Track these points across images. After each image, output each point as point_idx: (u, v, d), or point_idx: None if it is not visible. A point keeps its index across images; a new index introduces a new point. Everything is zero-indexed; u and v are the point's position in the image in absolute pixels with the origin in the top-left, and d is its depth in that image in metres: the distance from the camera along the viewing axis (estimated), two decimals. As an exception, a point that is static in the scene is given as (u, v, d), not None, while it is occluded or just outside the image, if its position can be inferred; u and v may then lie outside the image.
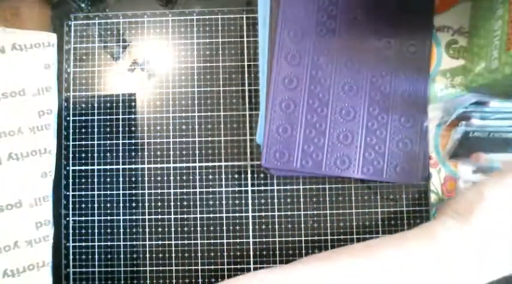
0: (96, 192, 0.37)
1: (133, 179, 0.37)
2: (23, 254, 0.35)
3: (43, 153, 0.36)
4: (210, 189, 0.37)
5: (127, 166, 0.37)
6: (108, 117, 0.38)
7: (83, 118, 0.38)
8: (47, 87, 0.37)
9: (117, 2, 0.39)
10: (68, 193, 0.37)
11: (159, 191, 0.37)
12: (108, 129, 0.38)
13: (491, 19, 0.32)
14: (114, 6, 0.39)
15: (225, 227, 0.37)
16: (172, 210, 0.37)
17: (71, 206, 0.37)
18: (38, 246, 0.35)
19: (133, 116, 0.38)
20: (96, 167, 0.37)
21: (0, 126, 0.36)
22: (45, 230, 0.36)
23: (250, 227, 0.37)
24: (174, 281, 0.36)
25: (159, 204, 0.37)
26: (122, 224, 0.37)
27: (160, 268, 0.37)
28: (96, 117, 0.38)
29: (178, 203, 0.37)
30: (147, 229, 0.37)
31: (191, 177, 0.37)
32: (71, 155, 0.37)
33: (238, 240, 0.37)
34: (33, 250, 0.35)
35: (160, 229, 0.37)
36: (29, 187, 0.36)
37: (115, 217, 0.37)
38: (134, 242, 0.37)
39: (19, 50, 0.36)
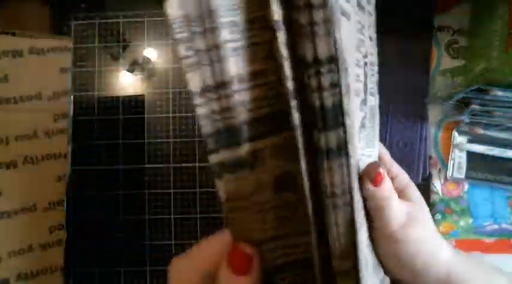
0: (96, 192, 0.37)
1: (134, 179, 0.37)
2: (37, 257, 0.35)
3: (58, 156, 0.36)
4: (210, 189, 0.37)
5: (127, 166, 0.37)
6: (108, 117, 0.38)
7: (83, 118, 0.38)
8: (62, 92, 0.37)
9: (117, 2, 0.39)
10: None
11: (159, 191, 0.37)
12: (108, 129, 0.38)
13: (491, 19, 0.32)
14: (114, 6, 0.39)
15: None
16: (172, 209, 0.37)
17: (71, 206, 0.37)
18: (51, 250, 0.35)
19: (133, 116, 0.38)
20: (96, 167, 0.37)
21: (17, 129, 0.36)
22: (58, 234, 0.36)
23: (250, 227, 0.37)
24: (174, 281, 0.36)
25: (159, 204, 0.37)
26: (122, 224, 0.37)
27: (160, 268, 0.37)
28: (96, 117, 0.38)
29: (178, 203, 0.37)
30: (147, 229, 0.37)
31: (191, 177, 0.37)
32: (71, 155, 0.37)
33: (238, 240, 0.37)
34: (47, 253, 0.35)
35: (160, 229, 0.37)
36: (43, 191, 0.36)
37: (115, 217, 0.37)
38: (134, 242, 0.37)
39: (36, 54, 0.36)
